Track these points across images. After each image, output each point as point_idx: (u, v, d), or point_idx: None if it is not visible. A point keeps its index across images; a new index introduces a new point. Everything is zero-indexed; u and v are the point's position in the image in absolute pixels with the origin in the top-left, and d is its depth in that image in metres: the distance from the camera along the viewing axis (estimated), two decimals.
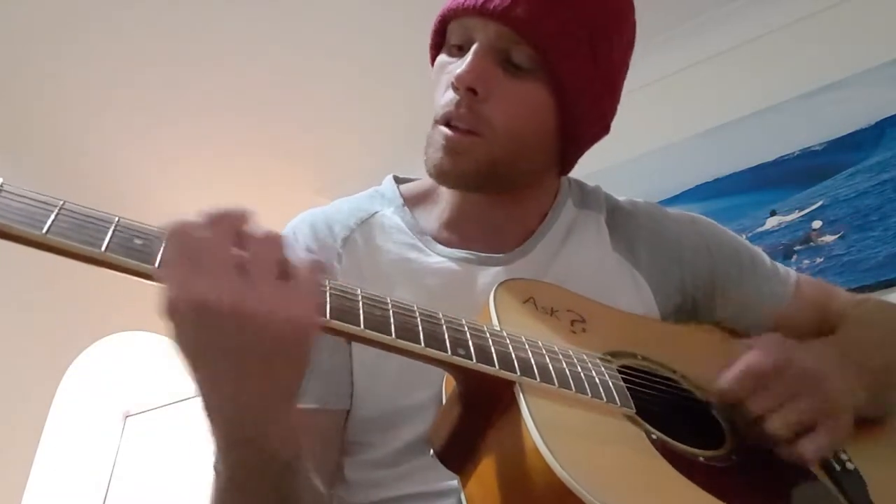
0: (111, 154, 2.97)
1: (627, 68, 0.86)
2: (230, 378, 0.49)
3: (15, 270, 2.63)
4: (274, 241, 0.51)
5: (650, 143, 2.27)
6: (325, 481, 0.71)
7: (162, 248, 0.49)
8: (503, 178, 0.80)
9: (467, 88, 0.75)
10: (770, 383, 0.67)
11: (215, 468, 0.56)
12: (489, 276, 0.80)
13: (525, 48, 0.75)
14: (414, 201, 0.89)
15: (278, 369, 0.50)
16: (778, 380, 0.67)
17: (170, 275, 0.47)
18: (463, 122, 0.76)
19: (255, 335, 0.47)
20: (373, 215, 0.86)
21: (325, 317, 0.53)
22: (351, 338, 0.56)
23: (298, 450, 0.56)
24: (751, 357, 0.69)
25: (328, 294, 0.54)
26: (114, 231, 0.49)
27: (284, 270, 0.50)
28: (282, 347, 0.49)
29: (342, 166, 2.98)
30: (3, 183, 0.48)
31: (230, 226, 0.49)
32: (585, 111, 0.80)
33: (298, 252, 0.52)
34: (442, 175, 0.78)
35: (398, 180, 0.92)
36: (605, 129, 0.86)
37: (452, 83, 0.76)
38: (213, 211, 0.50)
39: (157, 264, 0.48)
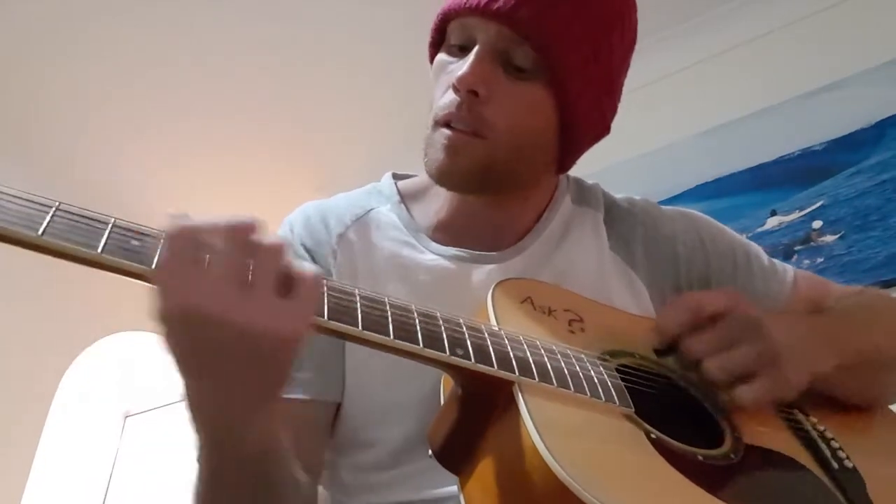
0: (110, 154, 2.97)
1: (628, 68, 0.86)
2: (212, 380, 0.50)
3: (15, 271, 2.63)
4: (276, 253, 0.50)
5: (650, 143, 2.27)
6: (309, 469, 0.73)
7: (159, 249, 0.48)
8: (502, 178, 0.80)
9: (469, 90, 0.75)
10: (712, 326, 0.67)
11: (198, 461, 0.58)
12: (483, 273, 0.80)
13: (526, 49, 0.75)
14: (411, 198, 0.89)
15: (260, 377, 0.51)
16: (720, 323, 0.67)
17: (165, 279, 0.47)
18: (464, 123, 0.76)
19: (242, 346, 0.48)
20: (368, 212, 0.86)
21: (322, 320, 0.53)
22: (349, 338, 0.56)
23: (277, 444, 0.58)
24: (695, 295, 0.70)
25: (325, 297, 0.54)
26: (110, 232, 0.48)
27: (285, 283, 0.50)
28: (267, 359, 0.49)
29: (341, 165, 2.98)
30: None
31: (236, 233, 0.49)
32: (585, 112, 0.80)
33: (301, 263, 0.53)
34: (443, 176, 0.78)
35: (397, 177, 0.93)
36: (605, 130, 0.85)
37: (454, 84, 0.76)
38: (223, 217, 0.50)
39: (153, 266, 0.48)
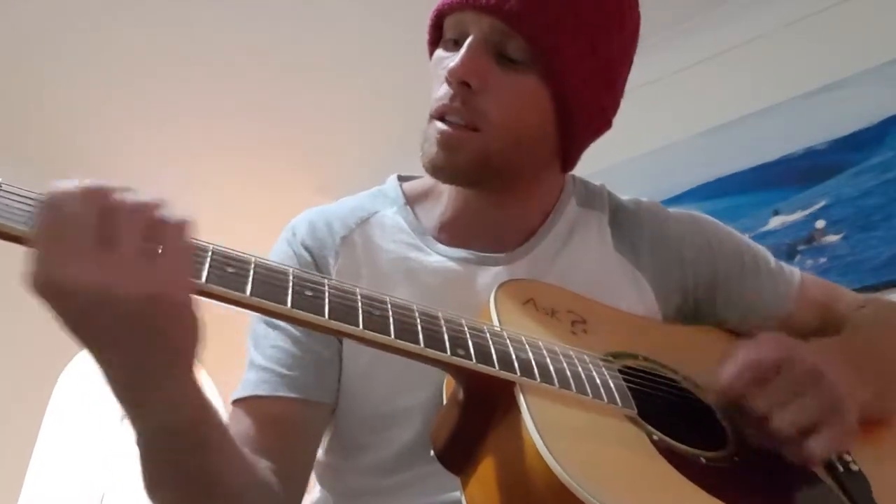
0: (109, 154, 2.97)
1: (631, 62, 0.85)
2: (100, 350, 0.49)
3: (12, 271, 2.62)
4: (139, 212, 0.48)
5: (651, 143, 2.27)
6: (290, 472, 0.72)
7: (35, 222, 0.47)
8: (499, 172, 0.79)
9: (461, 82, 0.75)
10: (773, 379, 0.66)
11: (136, 444, 0.57)
12: (489, 275, 0.79)
13: (518, 41, 0.75)
14: (416, 200, 0.89)
15: (146, 344, 0.48)
16: (781, 376, 0.66)
17: (32, 251, 0.46)
18: (457, 116, 0.76)
19: (104, 311, 0.46)
20: (373, 215, 0.86)
21: (322, 319, 0.53)
22: (351, 338, 0.55)
23: (202, 428, 0.56)
24: (751, 351, 0.68)
25: (328, 295, 0.54)
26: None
27: (153, 242, 0.48)
28: (142, 323, 0.47)
29: (342, 166, 2.98)
30: (1, 182, 0.47)
31: (98, 198, 0.47)
32: (583, 104, 0.79)
33: (175, 218, 0.50)
34: (436, 170, 0.78)
35: (402, 179, 0.92)
36: (605, 124, 0.85)
37: (446, 77, 0.76)
38: (85, 183, 0.47)
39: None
